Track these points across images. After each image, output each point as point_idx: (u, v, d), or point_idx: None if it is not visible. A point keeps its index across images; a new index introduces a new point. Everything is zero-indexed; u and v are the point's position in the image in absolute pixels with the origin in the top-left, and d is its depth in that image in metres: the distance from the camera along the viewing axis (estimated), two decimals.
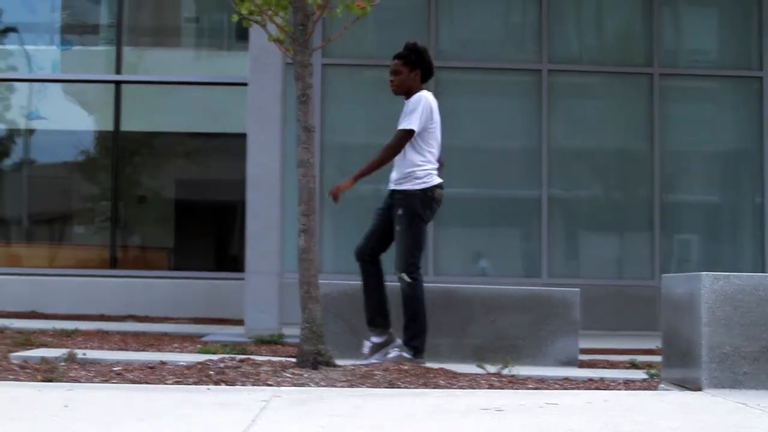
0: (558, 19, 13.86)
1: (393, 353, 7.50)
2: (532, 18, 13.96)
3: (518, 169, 13.84)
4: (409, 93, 7.77)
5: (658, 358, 7.49)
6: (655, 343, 9.35)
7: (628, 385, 6.51)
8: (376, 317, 7.71)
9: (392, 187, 7.73)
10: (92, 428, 4.11)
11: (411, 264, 7.58)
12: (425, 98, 7.69)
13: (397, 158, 7.71)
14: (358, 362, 6.94)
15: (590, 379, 6.74)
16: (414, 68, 7.77)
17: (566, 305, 8.22)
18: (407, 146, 7.63)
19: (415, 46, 7.86)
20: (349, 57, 13.45)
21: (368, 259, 7.77)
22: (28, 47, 14.66)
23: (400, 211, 7.60)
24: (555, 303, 8.23)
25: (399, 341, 7.64)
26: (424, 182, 7.63)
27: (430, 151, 7.68)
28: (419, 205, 7.61)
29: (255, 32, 10.28)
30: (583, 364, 8.12)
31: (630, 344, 10.40)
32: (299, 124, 6.69)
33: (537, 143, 13.56)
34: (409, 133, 7.58)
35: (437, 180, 7.70)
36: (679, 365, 5.73)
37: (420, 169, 7.61)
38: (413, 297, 7.57)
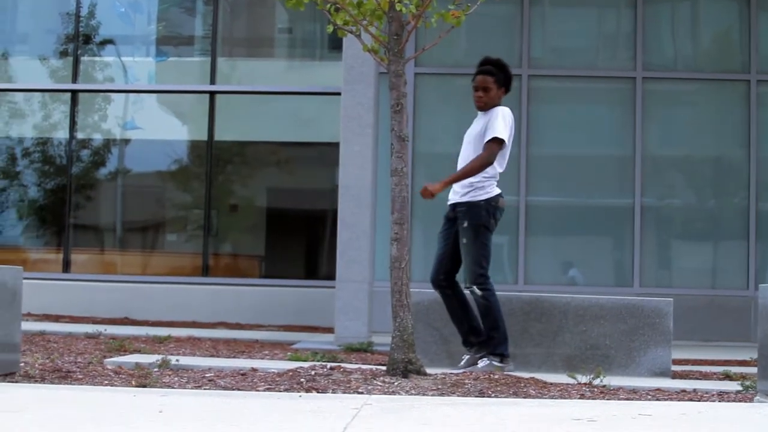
0: (652, 25, 13.71)
1: (482, 363, 7.49)
2: (626, 25, 13.84)
3: (611, 177, 13.72)
4: (490, 108, 7.81)
5: (752, 370, 7.36)
6: (749, 354, 9.19)
7: (722, 396, 6.40)
8: (469, 337, 7.72)
9: (455, 200, 7.74)
10: None
11: (480, 275, 7.57)
12: (509, 113, 7.75)
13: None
14: (448, 371, 6.94)
15: (683, 391, 6.64)
16: (501, 86, 7.84)
17: (659, 315, 8.12)
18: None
19: (503, 64, 7.92)
20: (441, 66, 13.47)
21: (444, 284, 7.79)
22: (125, 59, 14.90)
23: (465, 224, 7.60)
24: (648, 313, 8.14)
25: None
26: (487, 192, 7.65)
27: (498, 166, 7.70)
28: (484, 216, 7.61)
29: (348, 42, 10.33)
30: (675, 375, 8.02)
31: (723, 355, 10.24)
32: (393, 133, 6.70)
33: (630, 151, 13.42)
34: (500, 143, 7.59)
35: (498, 190, 7.72)
36: None
37: (481, 180, 7.63)
38: (490, 307, 7.57)
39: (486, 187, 7.66)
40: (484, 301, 7.55)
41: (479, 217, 7.60)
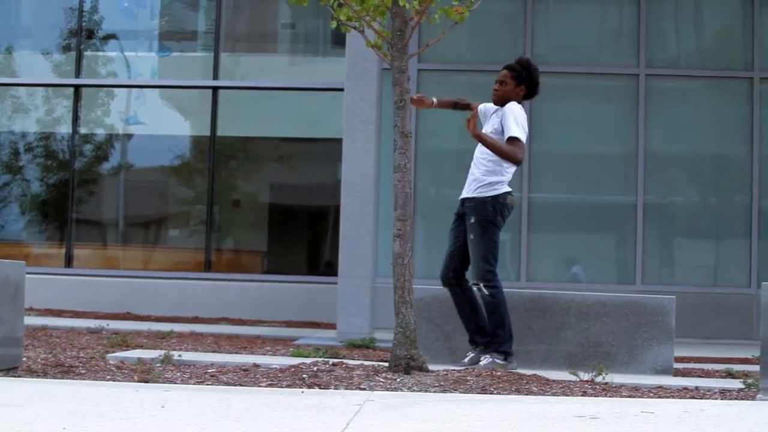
0: (656, 23, 13.70)
1: (485, 360, 7.49)
2: (629, 22, 13.83)
3: (614, 174, 13.70)
4: (504, 102, 7.84)
5: (755, 368, 7.37)
6: (751, 352, 9.20)
7: (724, 394, 6.40)
8: (476, 337, 7.73)
9: (464, 195, 7.78)
10: (189, 428, 4.16)
11: (488, 272, 7.59)
12: (520, 110, 7.80)
13: (474, 165, 7.77)
14: (450, 367, 6.94)
15: (685, 388, 6.65)
16: (520, 84, 7.87)
17: (662, 313, 8.12)
18: (494, 155, 7.67)
19: (529, 64, 7.99)
20: (444, 62, 13.45)
21: (454, 282, 7.81)
22: (128, 54, 14.90)
23: (472, 219, 7.63)
24: (650, 310, 8.14)
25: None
26: (495, 189, 7.67)
27: (508, 171, 7.72)
28: (491, 212, 7.63)
29: (351, 38, 10.32)
30: (677, 373, 8.02)
31: (726, 353, 10.24)
32: (396, 129, 6.70)
33: (633, 148, 13.41)
34: (518, 141, 7.62)
35: (507, 187, 7.74)
36: None
37: (490, 177, 7.65)
38: (496, 304, 7.58)
39: (494, 183, 7.68)
40: (491, 299, 7.56)
41: (486, 213, 7.62)
